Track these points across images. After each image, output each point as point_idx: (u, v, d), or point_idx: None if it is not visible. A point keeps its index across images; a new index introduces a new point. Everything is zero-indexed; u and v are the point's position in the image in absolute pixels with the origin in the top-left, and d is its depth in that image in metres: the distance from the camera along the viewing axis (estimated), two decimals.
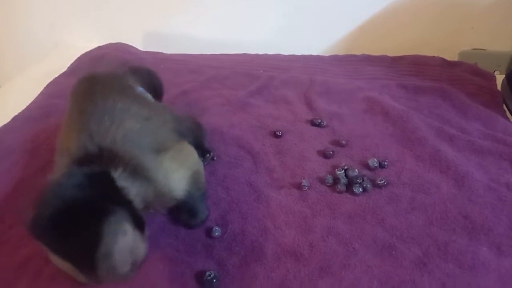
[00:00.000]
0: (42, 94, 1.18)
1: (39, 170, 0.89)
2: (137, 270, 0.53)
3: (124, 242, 0.50)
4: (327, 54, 1.40)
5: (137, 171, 0.59)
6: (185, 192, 0.68)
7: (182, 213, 0.75)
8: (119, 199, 0.54)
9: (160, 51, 1.44)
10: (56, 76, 1.27)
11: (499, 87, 1.17)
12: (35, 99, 1.16)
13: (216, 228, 0.74)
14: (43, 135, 1.00)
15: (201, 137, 0.92)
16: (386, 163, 0.88)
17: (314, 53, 1.41)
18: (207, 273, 0.65)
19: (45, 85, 1.23)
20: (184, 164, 0.70)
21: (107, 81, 0.77)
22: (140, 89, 0.85)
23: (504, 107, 1.09)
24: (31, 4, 1.53)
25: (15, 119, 1.08)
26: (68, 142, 0.64)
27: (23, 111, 1.11)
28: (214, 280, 0.64)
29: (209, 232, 0.74)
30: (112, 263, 0.49)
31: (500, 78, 1.20)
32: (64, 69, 1.32)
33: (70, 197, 0.50)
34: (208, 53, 1.41)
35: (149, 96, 0.87)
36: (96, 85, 0.74)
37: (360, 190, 0.81)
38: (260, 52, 1.39)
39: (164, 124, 0.76)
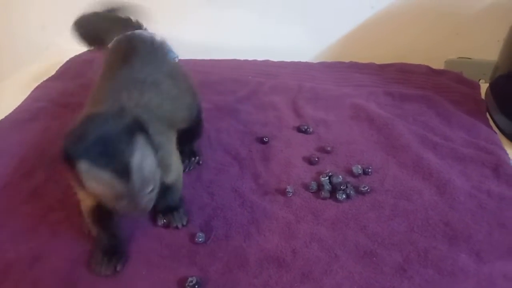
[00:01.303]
0: (29, 97, 1.17)
1: (26, 174, 0.89)
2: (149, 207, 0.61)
3: (150, 161, 0.59)
4: (315, 61, 1.42)
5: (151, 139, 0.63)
6: (173, 181, 0.72)
7: (164, 215, 0.77)
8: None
9: None
10: (44, 79, 1.27)
11: (483, 96, 1.19)
12: (22, 102, 1.15)
13: (200, 234, 0.74)
14: (31, 139, 1.00)
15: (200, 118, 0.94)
16: (370, 170, 0.89)
17: (303, 60, 1.42)
18: (189, 279, 0.65)
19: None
20: (178, 162, 0.76)
21: (147, 49, 0.82)
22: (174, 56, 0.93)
23: (488, 115, 1.11)
24: (23, 6, 1.53)
25: (1, 122, 1.07)
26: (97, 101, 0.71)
27: (10, 114, 1.10)
28: (196, 286, 0.65)
29: (192, 238, 0.74)
30: (143, 174, 0.57)
31: (485, 86, 1.23)
32: (54, 72, 1.32)
33: (107, 121, 0.58)
34: (197, 58, 1.42)
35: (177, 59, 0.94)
36: (137, 51, 0.80)
37: (344, 196, 0.82)
38: (249, 58, 1.40)
39: (185, 106, 0.83)
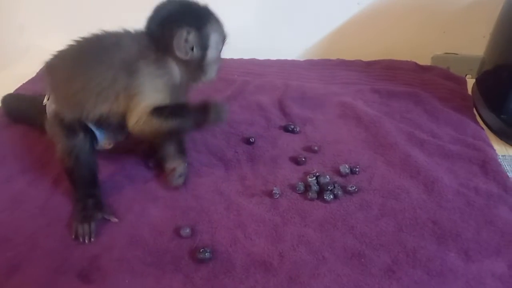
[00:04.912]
0: None
1: (6, 180, 0.87)
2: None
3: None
4: (302, 59, 1.40)
5: None
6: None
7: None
8: None
9: None
10: (24, 82, 1.24)
11: (470, 91, 1.19)
12: (0, 105, 1.12)
13: (187, 230, 0.74)
14: (9, 144, 0.97)
15: None
16: (357, 169, 0.88)
17: (289, 58, 1.40)
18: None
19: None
20: None
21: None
22: None
23: (475, 111, 1.11)
24: (1, 7, 1.48)
25: None
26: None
27: None
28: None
29: (178, 230, 0.74)
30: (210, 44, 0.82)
31: (471, 82, 1.23)
32: (35, 74, 1.29)
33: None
34: None
35: None
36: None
37: (331, 197, 0.81)
38: (235, 57, 1.38)
39: None
